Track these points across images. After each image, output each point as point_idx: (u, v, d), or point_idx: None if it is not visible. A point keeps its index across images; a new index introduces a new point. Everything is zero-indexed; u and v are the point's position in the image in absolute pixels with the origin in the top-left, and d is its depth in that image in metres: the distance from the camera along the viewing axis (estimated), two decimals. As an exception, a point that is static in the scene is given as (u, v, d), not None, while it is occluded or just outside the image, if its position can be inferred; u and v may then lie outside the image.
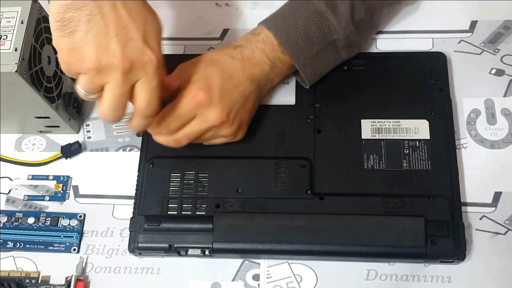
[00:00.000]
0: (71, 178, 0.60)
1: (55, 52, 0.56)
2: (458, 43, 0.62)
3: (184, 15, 0.67)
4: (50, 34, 0.54)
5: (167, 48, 0.65)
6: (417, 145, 0.55)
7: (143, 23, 0.44)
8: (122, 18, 0.43)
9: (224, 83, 0.51)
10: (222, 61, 0.52)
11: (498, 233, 0.54)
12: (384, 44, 0.63)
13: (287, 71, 0.56)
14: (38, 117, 0.57)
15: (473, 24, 0.63)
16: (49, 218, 0.57)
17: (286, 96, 0.58)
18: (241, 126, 0.54)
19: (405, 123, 0.56)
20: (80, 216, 0.57)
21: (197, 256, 0.53)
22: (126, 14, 0.43)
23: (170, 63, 0.61)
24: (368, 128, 0.56)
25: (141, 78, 0.44)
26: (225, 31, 0.65)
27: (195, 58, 0.53)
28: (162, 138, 0.52)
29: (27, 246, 0.56)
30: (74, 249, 0.56)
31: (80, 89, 0.45)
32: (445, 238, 0.51)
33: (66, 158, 0.60)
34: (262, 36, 0.54)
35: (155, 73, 0.45)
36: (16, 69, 0.49)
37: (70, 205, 0.58)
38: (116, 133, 0.62)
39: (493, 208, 0.55)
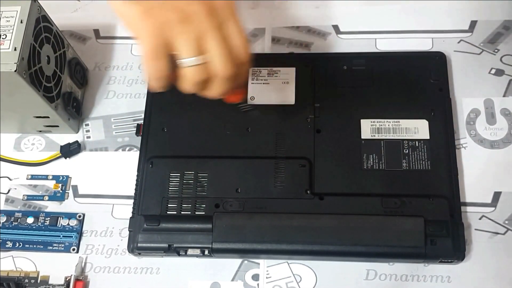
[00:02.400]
0: (70, 178, 0.60)
1: (55, 51, 0.56)
2: (458, 43, 0.62)
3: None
4: (50, 34, 0.55)
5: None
6: (417, 145, 0.55)
7: None
8: None
9: None
10: None
11: (497, 233, 0.54)
12: (384, 44, 0.63)
13: None
14: (37, 117, 0.57)
15: (473, 24, 0.63)
16: (48, 218, 0.57)
17: (285, 95, 0.58)
18: None
19: (404, 123, 0.56)
20: (80, 216, 0.57)
21: (197, 256, 0.53)
22: None
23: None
24: (368, 128, 0.56)
25: (225, 17, 0.42)
26: (224, 31, 0.65)
27: None
28: None
29: (26, 246, 0.56)
30: (74, 249, 0.56)
31: (187, 60, 0.42)
32: (445, 238, 0.51)
33: (66, 158, 0.60)
34: None
35: (235, 13, 0.42)
36: (15, 69, 0.49)
37: (69, 205, 0.58)
38: (115, 132, 0.61)
39: (493, 208, 0.55)
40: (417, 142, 0.55)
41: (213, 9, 0.41)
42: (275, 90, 0.59)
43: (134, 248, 0.53)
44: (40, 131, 0.61)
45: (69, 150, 0.60)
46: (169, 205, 0.54)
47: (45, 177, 0.60)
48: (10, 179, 0.60)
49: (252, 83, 0.59)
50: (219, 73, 0.43)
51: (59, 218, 0.57)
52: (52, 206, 0.58)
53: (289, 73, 0.59)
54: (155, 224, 0.53)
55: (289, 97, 0.58)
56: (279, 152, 0.56)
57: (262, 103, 0.58)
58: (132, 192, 0.56)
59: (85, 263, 0.56)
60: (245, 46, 0.43)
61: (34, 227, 0.57)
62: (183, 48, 0.41)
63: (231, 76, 0.43)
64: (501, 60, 0.61)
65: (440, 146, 0.55)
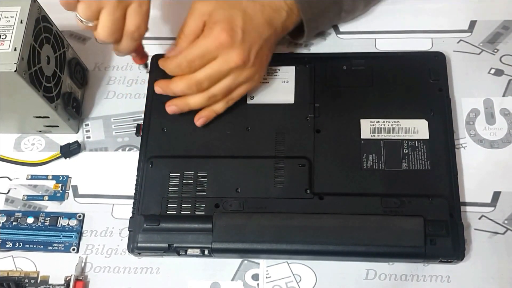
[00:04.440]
0: (70, 178, 0.60)
1: (55, 51, 0.56)
2: (457, 43, 0.62)
3: (183, 15, 0.67)
4: (49, 34, 0.55)
5: (167, 48, 0.65)
6: (416, 145, 0.55)
7: None
8: None
9: (245, 25, 0.52)
10: (244, 4, 0.53)
11: (497, 233, 0.54)
12: (383, 44, 0.63)
13: (300, 20, 0.57)
14: (37, 117, 0.57)
15: (472, 24, 0.63)
16: (48, 218, 0.57)
17: (285, 94, 0.58)
18: (260, 69, 0.55)
19: (404, 123, 0.56)
20: (79, 216, 0.57)
21: (197, 256, 0.53)
22: None
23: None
24: (368, 128, 0.56)
25: (133, 3, 0.49)
26: (224, 31, 0.65)
27: None
28: (182, 82, 0.53)
29: (26, 246, 0.56)
30: (73, 249, 0.56)
31: (80, 17, 0.49)
32: (444, 237, 0.51)
33: (65, 158, 0.60)
34: None
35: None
36: (15, 69, 0.49)
37: (69, 205, 0.58)
38: (115, 133, 0.62)
39: (492, 208, 0.55)
40: (416, 142, 0.55)
41: None
42: (274, 89, 0.59)
43: (134, 248, 0.53)
44: (40, 131, 0.61)
45: (69, 150, 0.60)
46: (169, 205, 0.54)
47: (45, 177, 0.60)
48: (10, 179, 0.60)
49: (251, 83, 0.59)
50: (98, 38, 0.51)
51: (59, 218, 0.57)
52: (52, 206, 0.59)
53: (289, 72, 0.59)
54: (155, 224, 0.53)
55: (288, 96, 0.58)
56: (278, 152, 0.56)
57: (262, 102, 0.58)
58: (132, 192, 0.56)
59: (85, 263, 0.56)
60: (135, 31, 0.50)
61: (34, 227, 0.57)
62: (80, 10, 0.49)
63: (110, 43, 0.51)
64: (500, 60, 0.61)
65: (440, 146, 0.55)
